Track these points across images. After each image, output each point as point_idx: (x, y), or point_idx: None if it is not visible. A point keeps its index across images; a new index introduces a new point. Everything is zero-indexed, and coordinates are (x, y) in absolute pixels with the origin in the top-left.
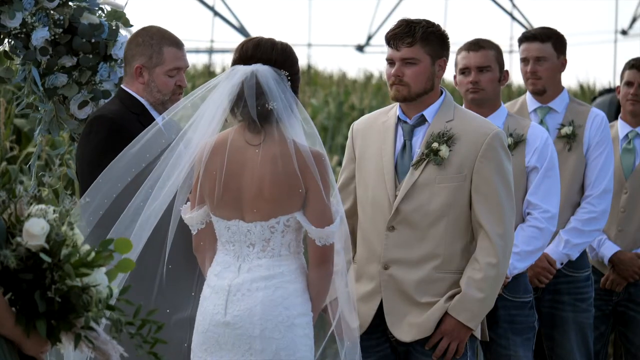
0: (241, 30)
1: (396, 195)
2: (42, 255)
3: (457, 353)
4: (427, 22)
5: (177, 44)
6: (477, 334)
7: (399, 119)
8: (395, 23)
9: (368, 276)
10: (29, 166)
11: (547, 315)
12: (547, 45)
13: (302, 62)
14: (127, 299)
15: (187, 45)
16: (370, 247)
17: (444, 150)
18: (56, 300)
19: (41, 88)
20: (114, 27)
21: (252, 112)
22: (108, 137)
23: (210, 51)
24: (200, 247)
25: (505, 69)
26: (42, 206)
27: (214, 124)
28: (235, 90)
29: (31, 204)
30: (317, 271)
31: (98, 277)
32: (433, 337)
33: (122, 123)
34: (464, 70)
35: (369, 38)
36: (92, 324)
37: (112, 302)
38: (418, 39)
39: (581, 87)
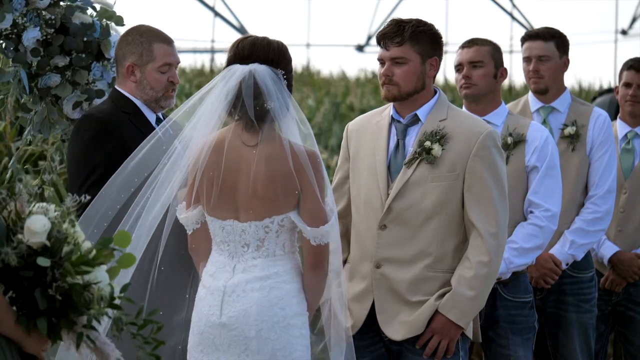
0: (241, 30)
1: (388, 194)
2: (40, 260)
3: (448, 352)
4: (418, 21)
5: (166, 40)
6: (469, 333)
7: (392, 118)
8: (386, 23)
9: (360, 275)
10: (10, 164)
11: (551, 316)
12: (550, 44)
13: (302, 63)
14: (129, 297)
15: (188, 45)
16: (363, 246)
17: (436, 149)
18: (57, 298)
19: (31, 90)
20: (105, 26)
21: (250, 112)
22: (95, 136)
23: (211, 51)
24: (195, 247)
25: (504, 66)
26: (44, 204)
27: (212, 125)
28: (233, 91)
29: (32, 202)
30: (312, 271)
31: (99, 275)
32: (423, 336)
33: (111, 122)
34: (458, 67)
35: (369, 38)
36: (94, 323)
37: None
38: (407, 38)
39: (581, 87)
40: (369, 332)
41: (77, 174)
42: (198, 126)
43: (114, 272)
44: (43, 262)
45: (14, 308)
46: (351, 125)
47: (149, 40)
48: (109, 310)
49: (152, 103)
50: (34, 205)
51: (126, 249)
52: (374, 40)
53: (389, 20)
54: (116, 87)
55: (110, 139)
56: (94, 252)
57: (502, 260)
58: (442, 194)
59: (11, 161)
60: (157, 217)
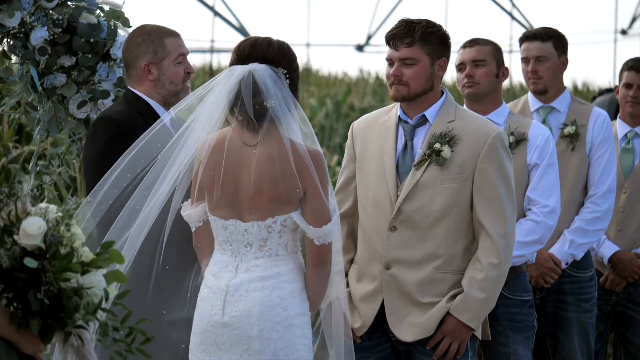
0: (241, 30)
1: (398, 196)
2: (27, 261)
3: (458, 353)
4: (428, 22)
5: (174, 34)
6: (479, 334)
7: (400, 119)
8: (396, 23)
9: (370, 276)
10: (31, 166)
11: (551, 315)
12: (548, 44)
13: (301, 63)
14: (123, 304)
15: (188, 45)
16: (372, 247)
17: (446, 151)
18: (45, 302)
19: (40, 88)
20: (112, 27)
21: (250, 110)
22: (112, 138)
23: (211, 51)
24: (199, 245)
25: (505, 66)
26: (44, 205)
27: (212, 124)
28: (233, 90)
29: (36, 202)
30: (316, 271)
31: (95, 280)
32: (434, 337)
33: (127, 124)
34: (460, 67)
35: (369, 38)
36: (82, 323)
37: (108, 305)
38: (417, 39)
39: (581, 87)
40: (376, 332)
41: (94, 177)
42: (198, 125)
43: (108, 280)
44: (30, 263)
45: (11, 308)
46: (357, 124)
47: (160, 37)
48: (99, 314)
49: (171, 98)
50: (36, 206)
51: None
52: (374, 40)
53: (390, 21)
54: (129, 87)
55: (126, 142)
56: (92, 256)
57: (511, 260)
58: (452, 196)
59: (31, 163)
60: (155, 214)
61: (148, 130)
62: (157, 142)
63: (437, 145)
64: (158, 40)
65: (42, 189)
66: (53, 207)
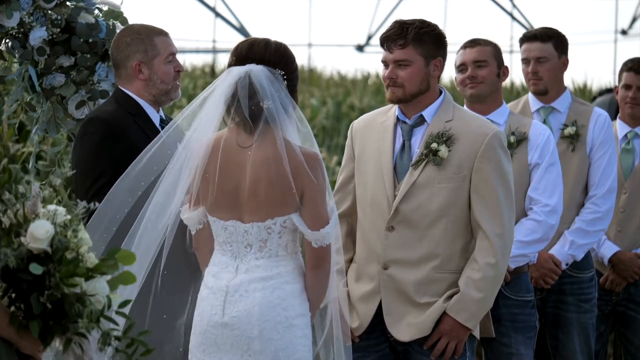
0: (241, 30)
1: (395, 195)
2: (32, 267)
3: (456, 353)
4: (421, 22)
5: (163, 32)
6: (477, 333)
7: (397, 119)
8: (389, 25)
9: (368, 276)
10: (30, 166)
11: (551, 316)
12: (548, 45)
13: (302, 62)
14: (124, 313)
15: (189, 45)
16: (370, 247)
17: (443, 150)
18: (47, 305)
19: (38, 88)
20: (111, 27)
21: (245, 111)
22: (102, 139)
23: (212, 51)
24: (199, 247)
25: (505, 65)
26: (52, 207)
27: (213, 127)
28: (230, 90)
29: (46, 202)
30: (314, 272)
31: (98, 286)
32: (431, 337)
33: (117, 124)
34: (461, 67)
35: (369, 38)
36: (83, 331)
37: (111, 313)
38: (410, 40)
39: (581, 87)
40: (374, 331)
41: (84, 178)
42: (199, 128)
43: (113, 285)
44: (35, 269)
45: (13, 308)
46: (356, 124)
47: (149, 36)
48: (102, 323)
49: (162, 97)
50: (46, 207)
51: (129, 267)
52: (373, 40)
53: (390, 20)
54: (120, 87)
55: (117, 143)
56: (96, 262)
57: (508, 260)
58: (449, 195)
59: (30, 163)
60: (167, 224)
61: (158, 136)
62: (167, 148)
63: (434, 145)
64: (147, 39)
65: (55, 191)
66: (61, 210)
